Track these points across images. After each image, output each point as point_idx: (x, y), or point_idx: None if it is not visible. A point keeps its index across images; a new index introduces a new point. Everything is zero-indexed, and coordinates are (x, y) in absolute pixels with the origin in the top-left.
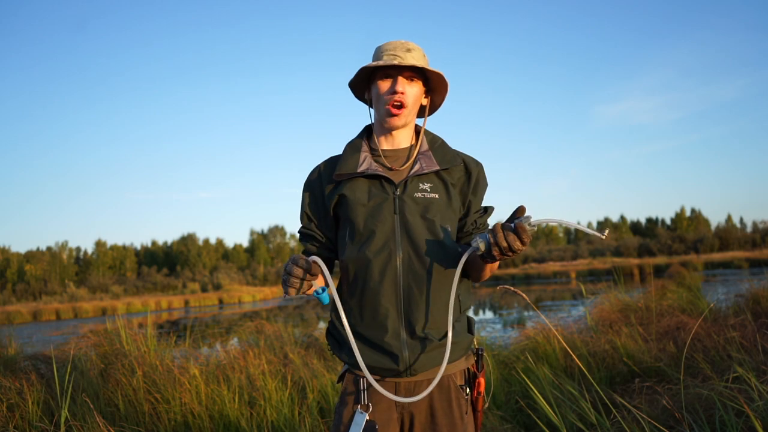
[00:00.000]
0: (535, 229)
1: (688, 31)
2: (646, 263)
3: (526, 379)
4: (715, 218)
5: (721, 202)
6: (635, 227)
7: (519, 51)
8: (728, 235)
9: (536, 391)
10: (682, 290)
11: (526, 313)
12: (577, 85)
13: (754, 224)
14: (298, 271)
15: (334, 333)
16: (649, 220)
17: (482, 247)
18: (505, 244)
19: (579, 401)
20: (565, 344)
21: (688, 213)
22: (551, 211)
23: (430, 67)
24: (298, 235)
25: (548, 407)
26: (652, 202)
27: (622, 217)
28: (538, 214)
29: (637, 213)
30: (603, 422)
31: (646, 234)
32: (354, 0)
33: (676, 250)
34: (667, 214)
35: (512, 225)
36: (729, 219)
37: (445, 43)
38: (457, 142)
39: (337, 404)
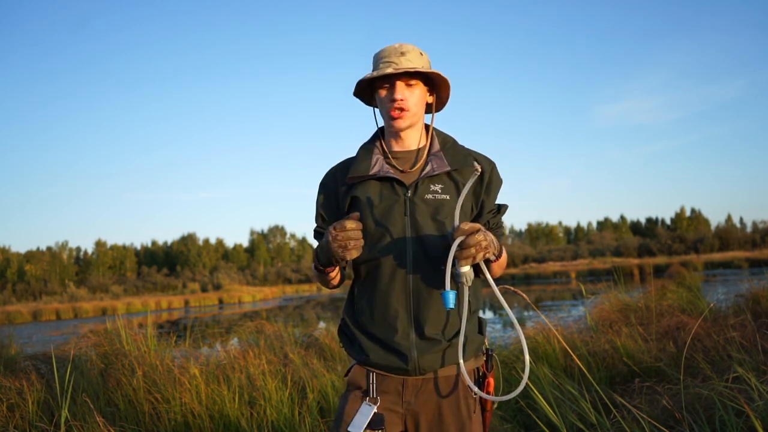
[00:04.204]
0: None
1: (688, 31)
2: (646, 263)
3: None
4: (715, 218)
5: (721, 202)
6: (635, 227)
7: (519, 51)
8: (728, 235)
9: (536, 391)
10: (682, 290)
11: (526, 313)
12: (578, 85)
13: (754, 224)
14: (352, 224)
15: (346, 331)
16: (649, 220)
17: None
18: (473, 252)
19: (579, 401)
20: (565, 344)
21: (688, 213)
22: (552, 210)
23: (424, 68)
24: (312, 234)
25: (548, 407)
26: (652, 202)
27: (622, 217)
28: (538, 213)
29: (637, 213)
30: (603, 422)
31: (646, 234)
32: (354, 0)
33: (676, 250)
34: (667, 214)
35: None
36: (729, 219)
37: (446, 43)
38: (460, 141)
39: (343, 393)
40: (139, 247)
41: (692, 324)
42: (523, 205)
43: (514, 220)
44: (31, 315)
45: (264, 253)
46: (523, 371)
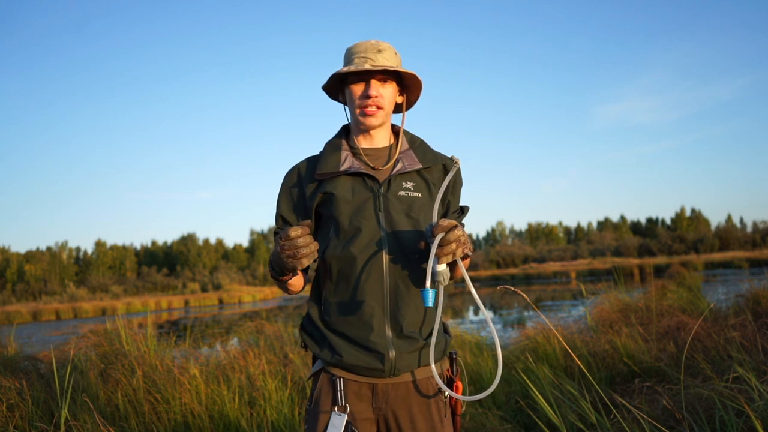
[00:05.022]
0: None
1: (688, 31)
2: (646, 263)
3: (526, 379)
4: (715, 218)
5: (721, 202)
6: (635, 227)
7: (518, 52)
8: (728, 235)
9: (536, 391)
10: (682, 290)
11: (526, 313)
12: (577, 85)
13: (754, 224)
14: (297, 231)
15: (312, 331)
16: (649, 220)
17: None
18: (454, 248)
19: (579, 401)
20: (565, 344)
21: (688, 213)
22: (552, 210)
23: (401, 68)
24: (273, 236)
25: (548, 407)
26: (652, 202)
27: (622, 217)
28: (538, 213)
29: (637, 213)
30: (603, 422)
31: (646, 234)
32: (353, 1)
33: (676, 250)
34: (667, 214)
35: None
36: (729, 219)
37: (445, 44)
38: (457, 142)
39: (308, 406)
40: (139, 247)
41: (692, 324)
42: (523, 205)
43: (514, 220)
44: (31, 315)
45: (264, 253)
46: (523, 371)
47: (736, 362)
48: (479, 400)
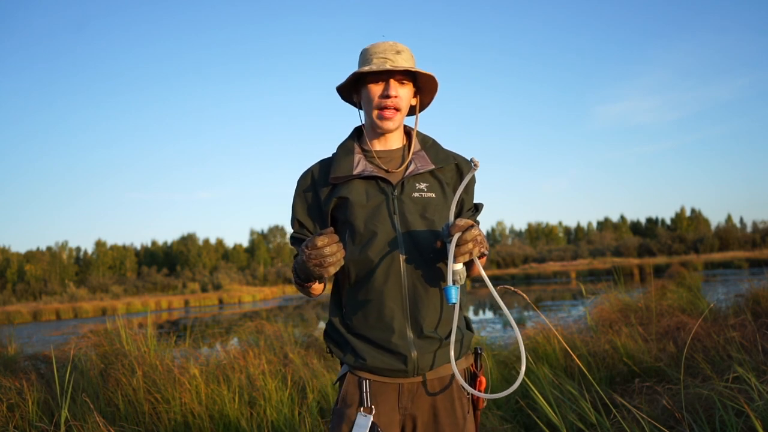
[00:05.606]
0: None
1: (688, 32)
2: (646, 263)
3: (526, 379)
4: (715, 218)
5: (721, 202)
6: (635, 227)
7: (518, 52)
8: (728, 235)
9: (536, 391)
10: (682, 290)
11: (526, 313)
12: (577, 85)
13: (754, 224)
14: (324, 240)
15: (335, 336)
16: (649, 220)
17: (461, 278)
18: (471, 247)
19: (579, 401)
20: (565, 344)
21: (688, 213)
22: (552, 210)
23: (419, 69)
24: (290, 240)
25: (548, 407)
26: (652, 202)
27: (622, 217)
28: (538, 213)
29: (637, 213)
30: (603, 422)
31: (646, 234)
32: (352, 2)
33: (676, 250)
34: (667, 214)
35: (454, 240)
36: (729, 219)
37: (445, 44)
38: (457, 142)
39: (335, 407)
40: (139, 247)
41: (692, 324)
42: (523, 205)
43: (514, 220)
44: (31, 315)
45: (264, 253)
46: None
47: (735, 362)
48: None
